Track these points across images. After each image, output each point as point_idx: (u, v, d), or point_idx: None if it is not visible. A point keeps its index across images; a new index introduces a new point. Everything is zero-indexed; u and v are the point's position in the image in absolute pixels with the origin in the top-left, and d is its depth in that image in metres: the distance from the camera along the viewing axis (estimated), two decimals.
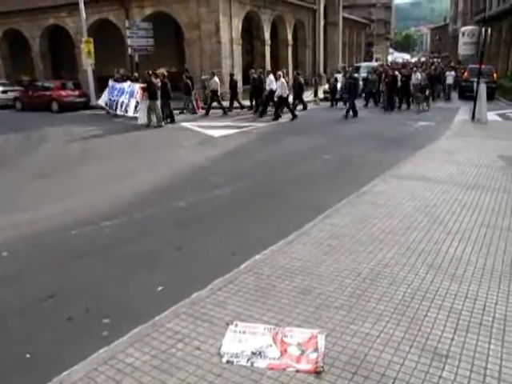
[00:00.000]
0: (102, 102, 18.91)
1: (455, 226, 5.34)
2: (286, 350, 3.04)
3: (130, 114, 16.61)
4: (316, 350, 3.03)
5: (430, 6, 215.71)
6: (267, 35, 26.44)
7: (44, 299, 4.13)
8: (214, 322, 3.41)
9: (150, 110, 15.54)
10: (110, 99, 18.11)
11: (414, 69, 24.32)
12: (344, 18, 40.24)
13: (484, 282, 3.96)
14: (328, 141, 12.20)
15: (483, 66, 16.06)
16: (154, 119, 15.60)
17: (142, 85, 15.98)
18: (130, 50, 20.99)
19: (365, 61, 46.74)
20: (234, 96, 19.61)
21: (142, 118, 15.86)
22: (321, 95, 22.97)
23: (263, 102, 17.92)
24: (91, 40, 20.11)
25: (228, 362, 2.95)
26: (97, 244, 5.42)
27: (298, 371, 2.85)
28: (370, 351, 3.03)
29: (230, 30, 22.80)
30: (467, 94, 21.75)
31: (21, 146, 12.85)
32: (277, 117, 16.74)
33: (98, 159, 10.70)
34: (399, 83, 19.03)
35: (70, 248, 5.33)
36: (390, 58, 70.92)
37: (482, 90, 14.78)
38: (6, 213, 6.69)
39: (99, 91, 22.30)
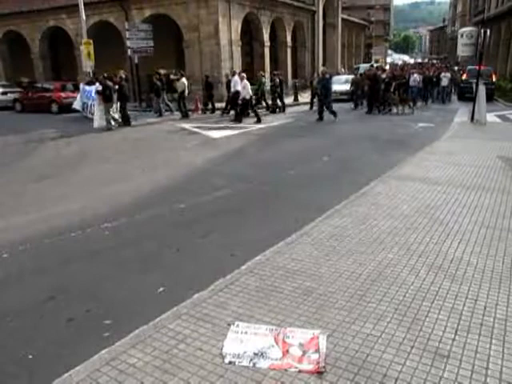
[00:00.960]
0: (76, 105, 19.05)
1: (455, 226, 5.35)
2: (287, 351, 3.05)
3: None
4: (317, 350, 3.04)
5: (429, 8, 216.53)
6: (266, 37, 26.49)
7: (45, 300, 4.13)
8: (216, 323, 3.42)
9: (107, 112, 15.68)
10: (83, 102, 18.39)
11: (412, 71, 24.06)
12: (343, 20, 40.31)
13: (484, 282, 3.97)
14: (327, 142, 12.22)
15: (482, 67, 16.10)
16: (112, 122, 15.73)
17: (99, 88, 16.08)
18: (129, 52, 21.01)
19: (364, 62, 46.88)
20: (209, 98, 19.64)
21: (98, 121, 15.95)
22: None
23: (231, 105, 17.61)
24: (91, 42, 20.10)
25: (230, 362, 2.96)
26: (97, 245, 5.42)
27: (299, 371, 2.85)
28: (372, 352, 3.03)
29: (230, 31, 22.85)
30: (466, 95, 21.80)
31: (20, 147, 12.84)
32: (240, 119, 16.52)
33: (99, 161, 10.70)
34: (382, 85, 18.83)
35: (71, 249, 5.33)
36: (388, 60, 71.01)
37: (482, 91, 14.81)
38: (7, 214, 6.70)
39: None
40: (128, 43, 20.75)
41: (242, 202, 7.11)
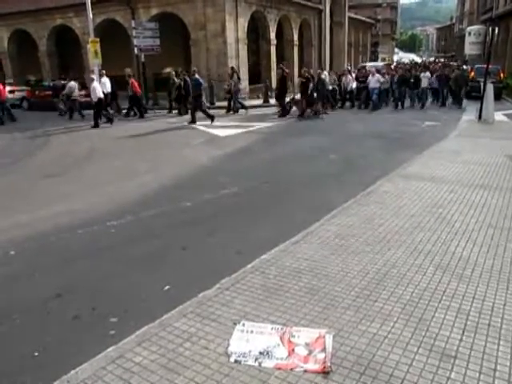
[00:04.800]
0: None
1: (462, 226, 5.31)
2: (293, 350, 3.04)
3: None
4: (323, 349, 3.02)
5: (436, 6, 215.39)
6: (273, 35, 26.44)
7: (51, 298, 4.14)
8: (222, 322, 3.41)
9: None
10: None
11: (373, 70, 20.63)
12: (350, 18, 40.16)
13: (492, 282, 3.94)
14: (332, 141, 12.18)
15: (490, 66, 15.97)
16: None
17: None
18: (136, 50, 21.06)
19: (371, 61, 46.70)
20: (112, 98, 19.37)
21: None
22: None
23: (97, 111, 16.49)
24: (98, 40, 20.15)
25: (236, 361, 2.95)
26: (103, 243, 5.43)
27: (305, 371, 2.84)
28: (378, 351, 3.01)
29: (236, 29, 22.84)
30: (474, 93, 21.59)
31: (27, 145, 12.91)
32: (96, 124, 15.91)
33: (105, 158, 10.73)
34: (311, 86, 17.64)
35: (77, 247, 5.35)
36: (395, 58, 70.68)
37: (489, 89, 14.69)
38: (14, 212, 6.73)
39: None
40: (134, 41, 20.79)
41: (248, 200, 7.10)
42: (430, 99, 21.13)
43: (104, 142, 13.11)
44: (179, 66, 25.09)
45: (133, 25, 21.16)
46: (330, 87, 20.13)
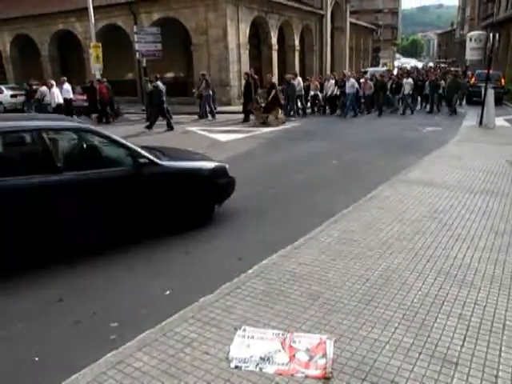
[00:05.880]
0: None
1: (463, 231, 5.31)
2: (294, 356, 3.03)
3: None
4: (324, 355, 3.01)
5: (437, 12, 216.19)
6: (274, 40, 26.54)
7: (52, 302, 4.13)
8: (222, 327, 3.41)
9: None
10: None
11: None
12: (351, 24, 40.35)
13: (494, 288, 3.93)
14: (334, 146, 12.17)
15: (491, 71, 16.00)
16: None
17: None
18: (137, 55, 21.12)
19: (371, 66, 46.84)
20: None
21: None
22: None
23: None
24: (99, 45, 20.22)
25: (236, 367, 2.94)
26: (104, 248, 5.42)
27: (306, 377, 2.83)
28: (379, 357, 3.01)
29: (238, 34, 22.94)
30: (474, 99, 21.63)
31: None
32: None
33: None
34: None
35: (78, 249, 5.34)
36: (396, 63, 70.86)
37: (490, 95, 14.72)
38: None
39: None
40: (136, 46, 20.84)
41: (249, 205, 7.09)
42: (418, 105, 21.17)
43: None
44: (181, 70, 25.22)
45: (135, 30, 21.22)
46: (312, 93, 20.17)
